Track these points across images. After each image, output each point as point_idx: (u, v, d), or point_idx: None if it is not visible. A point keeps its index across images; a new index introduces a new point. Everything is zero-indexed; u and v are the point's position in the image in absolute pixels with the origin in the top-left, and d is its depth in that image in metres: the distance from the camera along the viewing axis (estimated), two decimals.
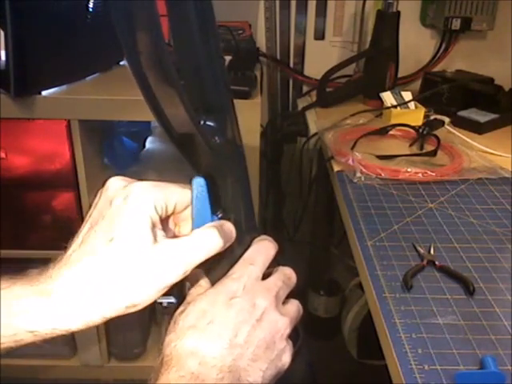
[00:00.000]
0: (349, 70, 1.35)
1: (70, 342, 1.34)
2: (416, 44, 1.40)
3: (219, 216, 0.44)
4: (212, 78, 0.39)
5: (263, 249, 0.46)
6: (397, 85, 1.29)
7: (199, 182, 0.42)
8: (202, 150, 0.41)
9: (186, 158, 0.42)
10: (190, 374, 0.37)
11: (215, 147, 0.41)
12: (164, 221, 0.42)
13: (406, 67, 1.35)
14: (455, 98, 1.22)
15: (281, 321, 0.43)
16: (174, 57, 0.37)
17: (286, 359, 0.43)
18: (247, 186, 0.45)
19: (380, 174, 0.93)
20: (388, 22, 1.23)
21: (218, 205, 0.44)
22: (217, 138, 0.40)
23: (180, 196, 0.42)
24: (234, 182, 0.44)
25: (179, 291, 0.45)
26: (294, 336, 0.44)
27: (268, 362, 0.41)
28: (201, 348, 0.39)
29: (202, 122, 0.40)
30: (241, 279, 0.43)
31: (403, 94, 1.20)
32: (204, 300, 0.42)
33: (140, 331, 1.36)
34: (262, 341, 0.41)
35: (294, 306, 0.46)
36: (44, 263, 0.40)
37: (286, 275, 0.46)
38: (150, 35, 0.33)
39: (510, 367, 0.54)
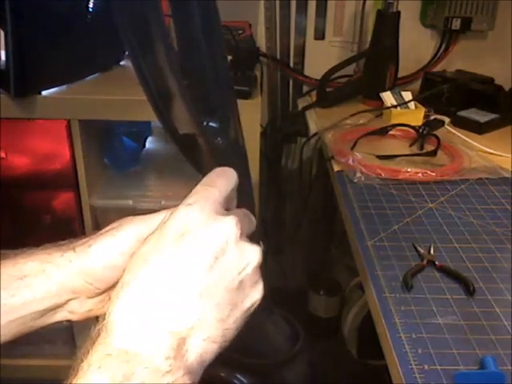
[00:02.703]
0: (349, 70, 1.35)
1: (69, 342, 1.34)
2: (416, 44, 1.40)
3: None
4: (216, 79, 0.39)
5: (223, 173, 0.39)
6: (397, 85, 1.29)
7: None
8: (204, 150, 0.41)
9: (187, 159, 0.42)
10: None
11: (218, 148, 0.40)
12: None
13: (406, 67, 1.35)
14: (455, 98, 1.22)
15: (252, 251, 0.36)
16: (178, 57, 0.37)
17: (256, 297, 0.36)
18: (249, 186, 0.45)
19: (380, 174, 0.93)
20: (388, 22, 1.23)
21: None
22: (219, 138, 0.40)
23: None
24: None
25: None
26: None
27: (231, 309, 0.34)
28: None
29: (205, 123, 0.40)
30: (196, 204, 0.35)
31: (403, 93, 1.20)
32: (147, 244, 0.34)
33: None
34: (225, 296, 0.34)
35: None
36: None
37: (245, 212, 0.40)
38: (155, 35, 0.33)
39: (510, 367, 0.54)
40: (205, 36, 0.36)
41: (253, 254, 0.36)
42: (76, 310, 0.42)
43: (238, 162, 0.43)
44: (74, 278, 0.40)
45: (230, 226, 0.35)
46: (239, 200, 0.44)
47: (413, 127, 1.09)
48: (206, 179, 0.38)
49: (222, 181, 0.38)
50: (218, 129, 0.40)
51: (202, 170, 0.43)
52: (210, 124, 0.40)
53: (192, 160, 0.42)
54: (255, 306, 0.36)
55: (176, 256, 0.34)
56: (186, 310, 0.33)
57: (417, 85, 1.37)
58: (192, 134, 0.39)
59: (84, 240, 0.41)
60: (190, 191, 0.39)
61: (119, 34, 0.33)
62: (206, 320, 0.33)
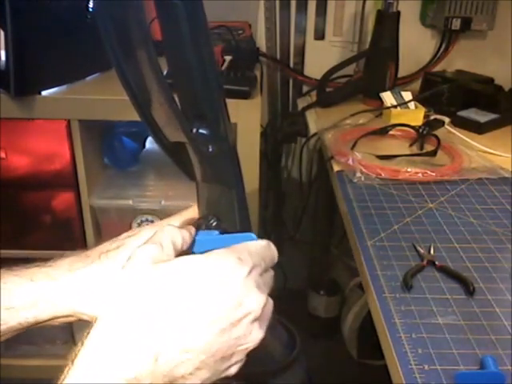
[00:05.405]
0: (349, 70, 1.35)
1: (69, 342, 1.34)
2: (416, 44, 1.40)
3: (212, 222, 0.43)
4: (204, 81, 0.37)
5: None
6: (397, 85, 1.29)
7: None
8: (194, 158, 0.40)
9: (178, 167, 0.42)
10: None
11: (208, 156, 0.40)
12: None
13: (406, 67, 1.35)
14: (455, 97, 1.22)
15: (256, 334, 0.37)
16: (166, 62, 0.37)
17: (234, 371, 0.38)
18: (242, 193, 0.43)
19: (380, 174, 0.93)
20: (388, 22, 1.23)
21: (210, 210, 0.43)
22: (210, 146, 0.39)
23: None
24: (228, 190, 0.43)
25: None
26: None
27: (212, 373, 0.36)
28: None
29: (194, 130, 0.39)
30: (248, 263, 0.38)
31: (403, 93, 1.20)
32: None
33: None
34: (223, 350, 0.36)
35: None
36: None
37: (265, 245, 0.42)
38: (138, 41, 0.33)
39: (510, 367, 0.54)
40: (192, 40, 0.35)
41: (257, 336, 0.37)
42: None
43: (229, 169, 0.42)
44: (67, 309, 0.42)
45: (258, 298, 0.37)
46: (232, 204, 0.43)
47: (413, 127, 1.09)
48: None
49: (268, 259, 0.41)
50: (208, 136, 0.39)
51: (194, 179, 0.42)
52: (200, 131, 0.39)
53: (183, 168, 0.42)
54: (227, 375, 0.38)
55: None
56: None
57: (417, 85, 1.37)
58: (181, 142, 0.38)
59: (83, 274, 0.43)
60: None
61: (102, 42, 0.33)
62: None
